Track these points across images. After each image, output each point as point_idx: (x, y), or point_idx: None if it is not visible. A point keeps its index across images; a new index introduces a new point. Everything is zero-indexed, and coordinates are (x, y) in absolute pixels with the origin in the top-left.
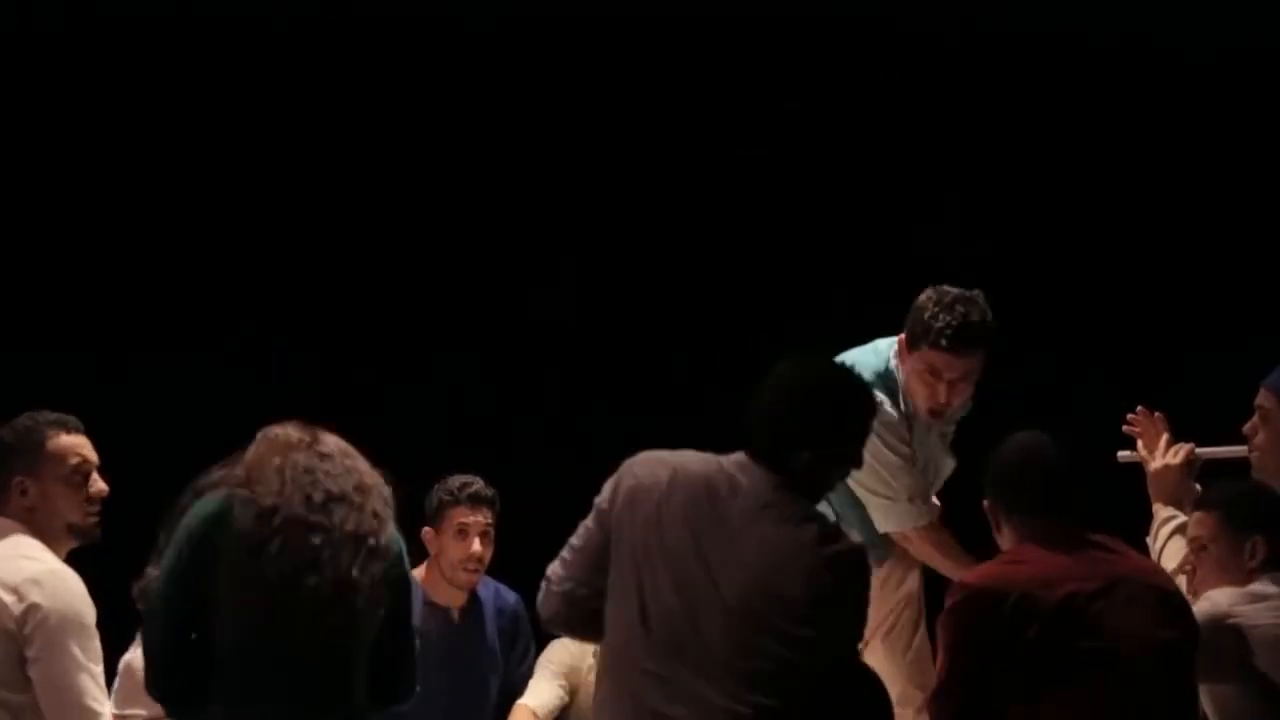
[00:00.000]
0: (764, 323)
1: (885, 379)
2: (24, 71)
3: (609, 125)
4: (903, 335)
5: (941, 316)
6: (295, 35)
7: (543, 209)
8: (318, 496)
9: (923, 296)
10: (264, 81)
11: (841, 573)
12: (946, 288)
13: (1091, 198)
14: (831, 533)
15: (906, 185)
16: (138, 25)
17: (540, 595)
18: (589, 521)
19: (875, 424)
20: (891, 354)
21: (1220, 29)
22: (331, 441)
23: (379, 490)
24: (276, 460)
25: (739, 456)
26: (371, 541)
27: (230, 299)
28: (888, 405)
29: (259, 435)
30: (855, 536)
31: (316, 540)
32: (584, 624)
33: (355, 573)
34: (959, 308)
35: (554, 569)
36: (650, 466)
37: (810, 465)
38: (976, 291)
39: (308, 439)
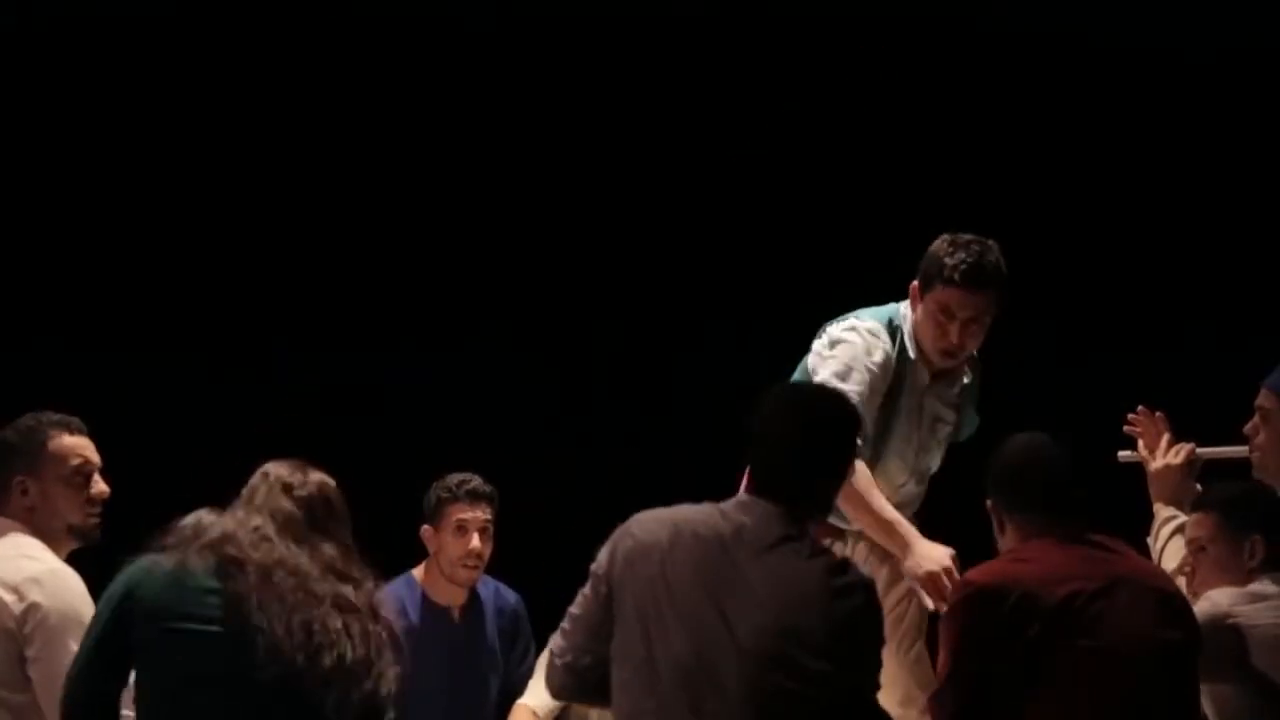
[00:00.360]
0: (764, 324)
1: (891, 320)
2: (23, 71)
3: (605, 124)
4: (915, 283)
5: (956, 254)
6: (293, 36)
7: (542, 208)
8: (316, 571)
9: (936, 241)
10: (266, 81)
11: (856, 601)
12: (961, 234)
13: (1091, 198)
14: (841, 564)
15: (905, 186)
16: (136, 26)
17: (546, 670)
18: (586, 589)
19: (856, 337)
20: (903, 306)
21: (1220, 29)
22: (314, 484)
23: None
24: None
25: (740, 498)
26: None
27: (231, 299)
28: (883, 333)
29: (250, 484)
30: (864, 570)
31: (337, 623)
32: (592, 693)
33: (376, 680)
34: (974, 247)
35: (556, 641)
36: (648, 526)
37: (830, 490)
38: (991, 240)
39: (296, 482)
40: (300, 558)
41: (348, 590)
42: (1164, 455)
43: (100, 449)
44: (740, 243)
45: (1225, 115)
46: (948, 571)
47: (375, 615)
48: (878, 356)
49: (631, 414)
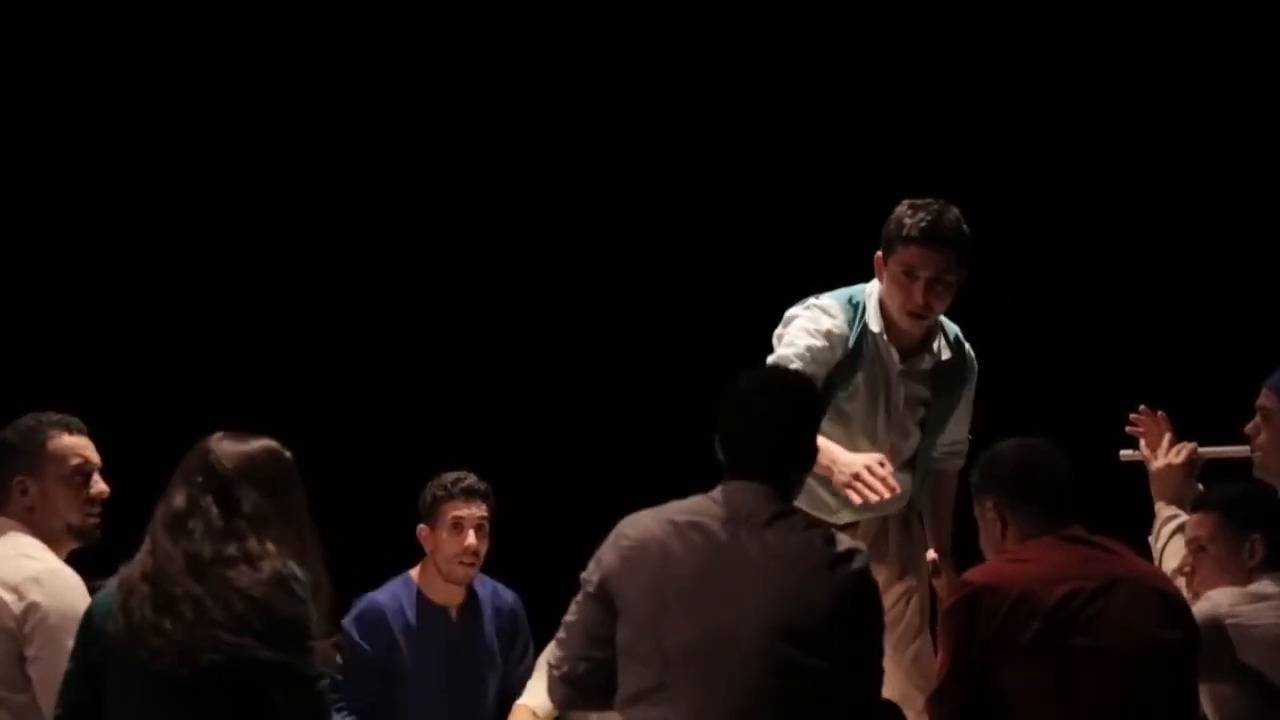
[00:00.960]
0: (763, 324)
1: (851, 298)
2: (23, 71)
3: (610, 120)
4: (879, 253)
5: (916, 214)
6: (296, 41)
7: (541, 207)
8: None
9: (897, 207)
10: (268, 81)
11: (856, 566)
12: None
13: (1091, 198)
14: (831, 535)
15: (904, 187)
16: (136, 26)
17: (547, 684)
18: (579, 597)
19: (805, 311)
20: (869, 285)
21: (1220, 29)
22: (228, 455)
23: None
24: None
25: (726, 484)
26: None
27: (230, 299)
28: (836, 308)
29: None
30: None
31: (216, 613)
32: (593, 698)
33: (288, 647)
34: (933, 207)
35: (553, 653)
36: (641, 524)
37: (805, 463)
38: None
39: (199, 462)
40: (185, 544)
41: (233, 562)
42: (1165, 455)
43: (100, 449)
44: (741, 243)
45: (1225, 115)
46: (869, 468)
47: (268, 580)
48: (824, 325)
49: (631, 414)
